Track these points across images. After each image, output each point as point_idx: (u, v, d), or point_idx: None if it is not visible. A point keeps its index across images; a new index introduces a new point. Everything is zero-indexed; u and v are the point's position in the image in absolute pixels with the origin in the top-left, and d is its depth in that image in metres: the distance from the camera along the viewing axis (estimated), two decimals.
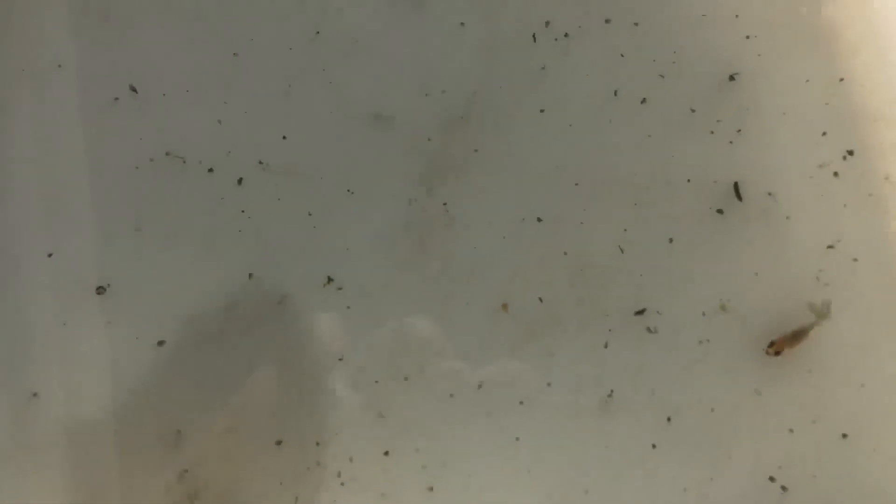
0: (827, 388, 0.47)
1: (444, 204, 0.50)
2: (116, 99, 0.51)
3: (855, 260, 0.50)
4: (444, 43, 0.51)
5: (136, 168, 0.50)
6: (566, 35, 0.52)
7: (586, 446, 0.48)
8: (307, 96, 0.51)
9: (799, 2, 0.52)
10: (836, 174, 0.50)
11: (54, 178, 0.50)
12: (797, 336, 0.46)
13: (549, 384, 0.48)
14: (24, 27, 0.51)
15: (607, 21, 0.52)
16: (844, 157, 0.51)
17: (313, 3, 0.52)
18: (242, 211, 0.50)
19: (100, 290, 0.50)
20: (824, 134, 0.51)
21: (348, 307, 0.49)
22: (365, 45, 0.51)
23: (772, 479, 0.47)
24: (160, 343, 0.48)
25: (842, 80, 0.51)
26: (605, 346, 0.49)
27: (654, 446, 0.48)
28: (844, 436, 0.47)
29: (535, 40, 0.52)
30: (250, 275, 0.50)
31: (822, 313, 0.47)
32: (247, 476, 0.48)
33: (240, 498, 0.47)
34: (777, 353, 0.47)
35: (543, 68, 0.51)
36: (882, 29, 0.51)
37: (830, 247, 0.49)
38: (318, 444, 0.48)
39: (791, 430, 0.46)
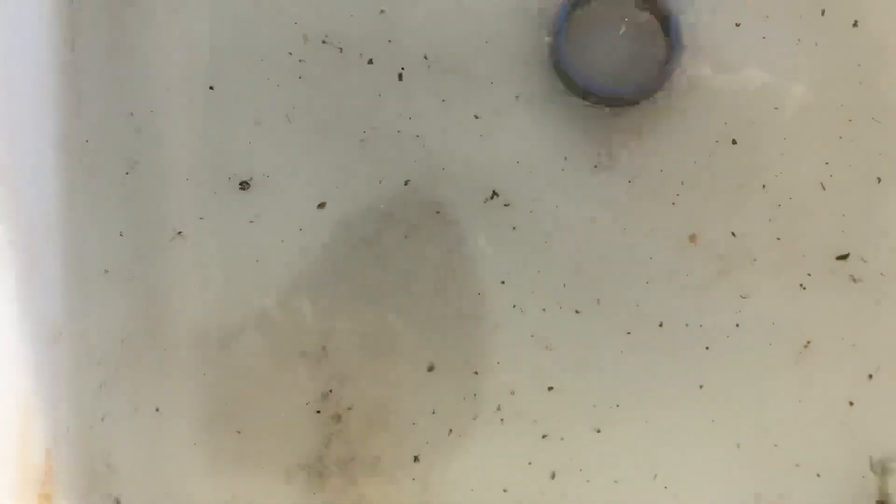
0: None
1: (632, 122, 0.46)
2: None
3: None
4: None
5: (290, 54, 0.47)
6: None
7: (778, 398, 0.44)
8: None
9: None
10: None
11: (201, 60, 0.47)
12: None
13: (738, 326, 0.45)
14: None
15: None
16: None
17: None
18: (402, 110, 0.46)
19: (243, 184, 0.46)
20: None
21: (514, 227, 0.46)
22: None
23: None
24: (305, 247, 0.45)
25: None
26: (804, 289, 0.45)
27: (851, 403, 0.45)
28: None
29: None
30: (407, 181, 0.46)
31: None
32: (396, 400, 0.44)
33: (389, 423, 0.44)
34: None
35: None
36: None
37: None
38: (476, 373, 0.45)
39: None
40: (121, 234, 0.46)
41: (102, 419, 0.45)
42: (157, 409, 0.45)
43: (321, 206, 0.45)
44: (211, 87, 0.46)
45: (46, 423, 0.44)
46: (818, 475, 0.44)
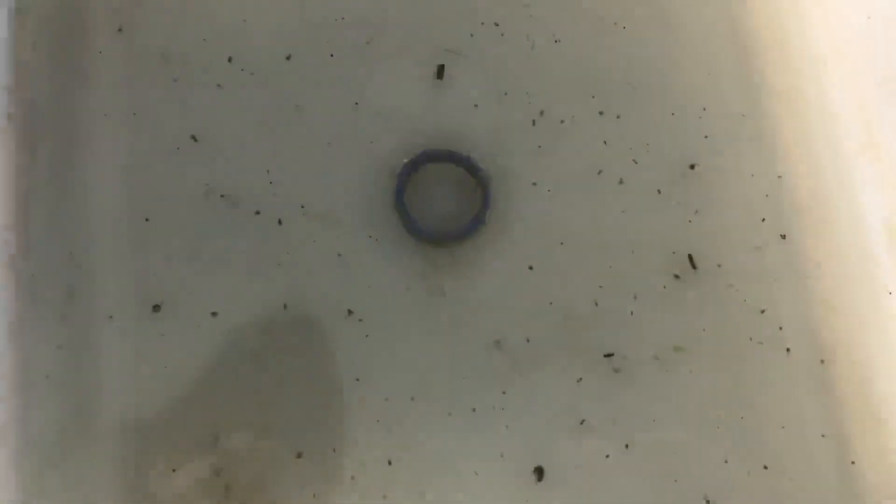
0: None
1: (453, 257, 0.65)
2: (178, 148, 0.66)
3: (780, 328, 0.66)
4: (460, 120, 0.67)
5: (194, 206, 0.65)
6: (561, 122, 0.68)
7: (565, 463, 0.62)
8: (345, 153, 0.66)
9: (745, 110, 0.69)
10: (771, 253, 0.67)
11: (125, 209, 0.64)
12: None
13: (531, 411, 0.63)
14: (108, 75, 0.66)
15: (600, 113, 0.68)
16: (780, 239, 0.68)
17: (355, 82, 0.67)
18: (281, 248, 0.64)
19: (156, 307, 0.63)
20: (763, 220, 0.68)
21: (366, 335, 0.64)
22: (400, 117, 0.67)
23: None
24: (208, 354, 0.62)
25: (780, 176, 0.68)
26: (579, 382, 0.64)
27: (614, 460, 0.63)
28: None
29: (534, 124, 0.68)
30: (285, 305, 0.64)
31: None
32: (273, 476, 0.61)
33: (267, 492, 0.61)
34: None
35: (539, 147, 0.67)
36: (814, 130, 0.68)
37: (763, 311, 0.66)
38: (334, 450, 0.62)
39: None
40: (59, 347, 0.62)
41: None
42: (86, 483, 0.60)
43: (214, 314, 0.62)
44: (146, 219, 0.63)
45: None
46: None
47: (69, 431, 0.59)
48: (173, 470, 0.59)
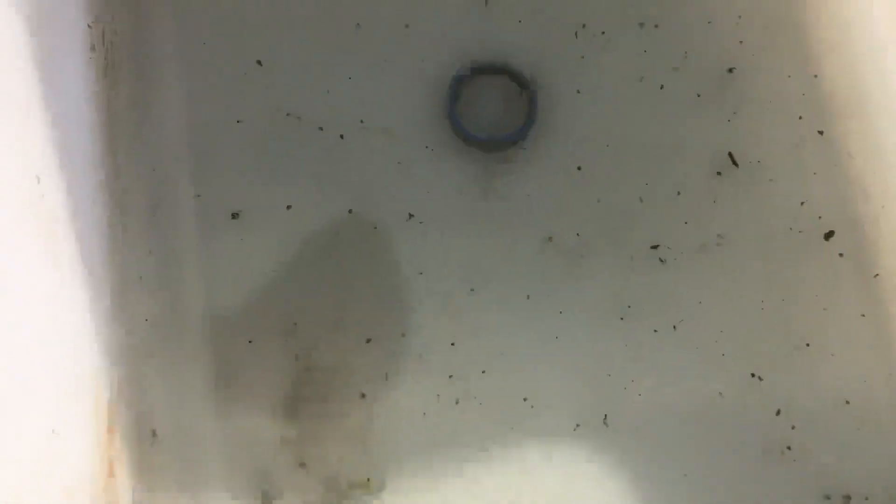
0: None
1: (505, 161, 0.72)
2: (245, 73, 0.73)
3: (819, 217, 0.72)
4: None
5: (263, 124, 0.72)
6: (602, 33, 0.74)
7: (611, 344, 0.69)
8: (399, 71, 0.73)
9: (785, 11, 0.74)
10: (809, 149, 0.73)
11: (200, 129, 0.72)
12: None
13: (582, 298, 0.70)
14: (179, 7, 0.74)
15: (640, 24, 0.74)
16: (817, 135, 0.73)
17: (407, 4, 0.74)
18: (344, 159, 0.72)
19: (234, 215, 0.71)
20: (800, 118, 0.73)
21: (427, 236, 0.71)
22: (449, 35, 0.74)
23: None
24: (283, 255, 0.70)
25: (815, 76, 0.74)
26: (627, 271, 0.70)
27: (662, 348, 0.69)
28: None
29: (576, 37, 0.74)
30: (350, 210, 0.72)
31: None
32: (346, 359, 0.69)
33: (341, 373, 0.68)
34: None
35: (582, 58, 0.74)
36: (853, 33, 0.74)
37: (802, 203, 0.72)
38: (403, 335, 0.69)
39: None
40: (149, 253, 0.71)
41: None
42: (180, 369, 0.69)
43: (287, 220, 0.70)
44: (220, 137, 0.72)
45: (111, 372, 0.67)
46: None
47: (162, 327, 0.68)
48: (257, 357, 0.67)
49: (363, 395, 0.65)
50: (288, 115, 0.70)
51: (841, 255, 0.69)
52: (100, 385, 0.57)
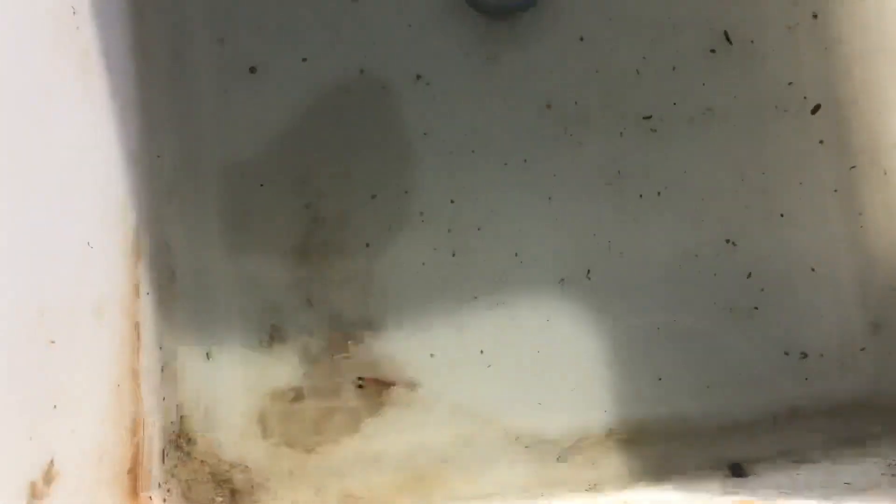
0: None
1: (511, 29, 0.76)
2: None
3: (805, 98, 0.76)
4: None
5: None
6: None
7: (598, 206, 0.75)
8: None
9: None
10: (802, 31, 0.76)
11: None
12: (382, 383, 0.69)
13: (576, 163, 0.75)
14: None
15: None
16: (811, 18, 0.77)
17: None
18: (363, 23, 0.75)
19: (252, 69, 0.75)
20: (795, 3, 0.77)
21: (433, 97, 0.75)
22: None
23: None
24: (297, 109, 0.74)
25: None
26: (619, 138, 0.75)
27: (645, 212, 0.75)
28: None
29: None
30: (361, 70, 0.76)
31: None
32: (352, 212, 0.74)
33: (348, 223, 0.74)
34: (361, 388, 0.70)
35: None
36: None
37: (790, 83, 0.76)
38: (406, 192, 0.75)
39: None
40: (173, 100, 0.75)
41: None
42: (197, 211, 0.74)
43: (301, 76, 0.74)
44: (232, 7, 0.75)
45: None
46: None
47: (180, 170, 0.73)
48: (269, 202, 0.72)
49: (367, 245, 0.71)
50: None
51: (821, 133, 0.73)
52: (127, 216, 0.63)
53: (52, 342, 0.48)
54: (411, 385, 0.68)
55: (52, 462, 0.46)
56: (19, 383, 0.43)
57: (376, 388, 0.69)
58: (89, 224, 0.55)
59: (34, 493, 0.44)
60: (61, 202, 0.52)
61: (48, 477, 0.45)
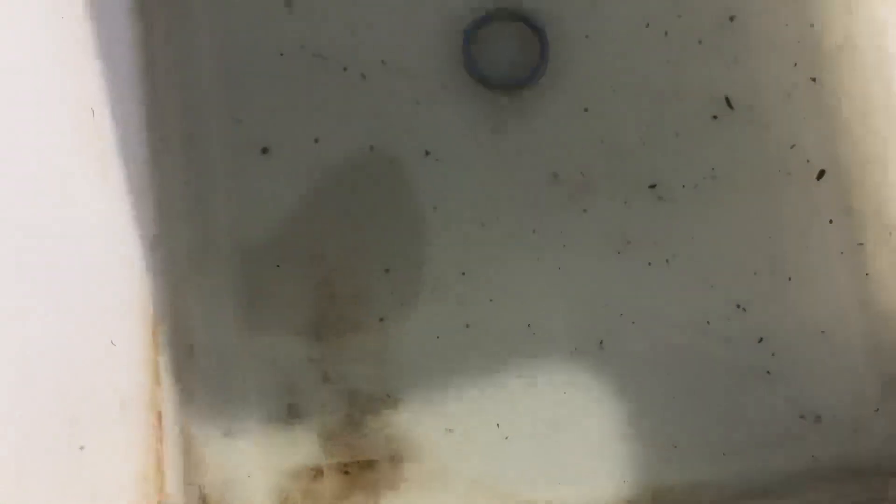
0: None
1: (517, 102, 0.77)
2: (271, 13, 0.78)
3: (808, 161, 0.77)
4: None
5: (291, 63, 0.77)
6: None
7: (608, 276, 0.76)
8: (419, 13, 0.77)
9: None
10: (801, 95, 0.78)
11: (231, 66, 0.77)
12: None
13: (584, 233, 0.76)
14: None
15: None
16: (810, 81, 0.78)
17: None
18: (366, 100, 0.77)
19: (264, 150, 0.77)
20: (795, 64, 0.78)
21: (442, 172, 0.77)
22: None
23: None
24: (309, 187, 0.76)
25: (812, 24, 0.78)
26: (626, 209, 0.76)
27: (655, 280, 0.76)
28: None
29: None
30: (371, 147, 0.77)
31: None
32: (367, 286, 0.76)
33: (362, 299, 0.75)
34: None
35: (592, 3, 0.78)
36: None
37: (792, 146, 0.77)
38: (418, 266, 0.76)
39: None
40: (185, 183, 0.77)
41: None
42: (214, 291, 0.76)
43: (312, 155, 0.76)
44: (250, 74, 0.77)
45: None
46: None
47: (196, 252, 0.74)
48: (284, 282, 0.73)
49: (382, 319, 0.72)
50: (314, 55, 0.75)
51: (826, 196, 0.74)
52: (146, 305, 0.64)
53: (82, 448, 0.49)
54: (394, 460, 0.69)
55: None
56: (54, 494, 0.44)
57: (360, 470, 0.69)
58: (112, 321, 0.57)
59: None
60: (85, 303, 0.53)
61: None
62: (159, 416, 0.62)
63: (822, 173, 0.74)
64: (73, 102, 0.54)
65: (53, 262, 0.48)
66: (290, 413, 0.71)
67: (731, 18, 0.76)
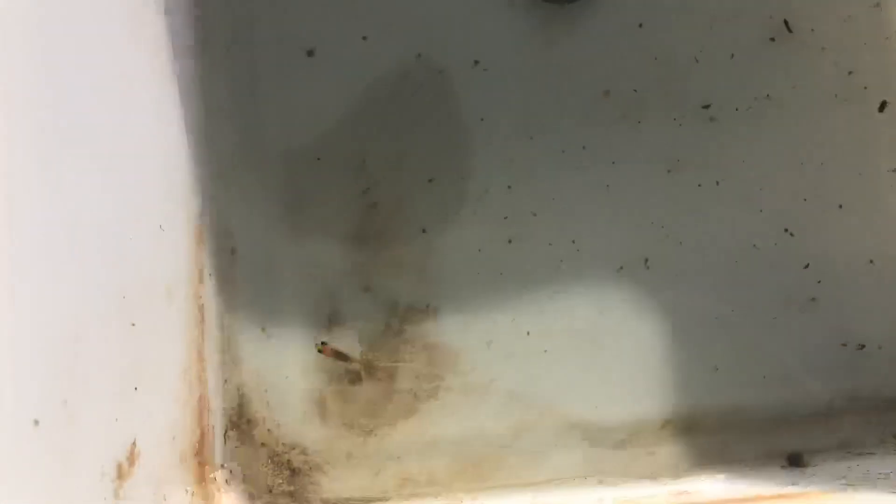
0: None
1: (571, 15, 0.75)
2: None
3: (865, 88, 0.75)
4: None
5: None
6: None
7: (657, 195, 0.74)
8: None
9: None
10: (862, 21, 0.75)
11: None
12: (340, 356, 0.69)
13: (634, 151, 0.74)
14: None
15: None
16: (873, 7, 0.76)
17: None
18: (416, 4, 0.75)
19: (309, 53, 0.75)
20: None
21: (491, 83, 0.75)
22: None
23: None
24: (354, 94, 0.74)
25: None
26: (678, 128, 0.75)
27: (704, 201, 0.74)
28: None
29: None
30: (419, 55, 0.75)
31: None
32: (409, 196, 0.74)
33: (405, 209, 0.74)
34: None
35: None
36: None
37: (850, 73, 0.75)
38: (462, 177, 0.74)
39: None
40: (232, 80, 0.75)
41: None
42: (257, 195, 0.74)
43: (359, 60, 0.74)
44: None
45: None
46: None
47: (240, 155, 0.73)
48: (326, 187, 0.72)
49: (424, 230, 0.71)
50: None
51: (881, 124, 0.72)
52: (191, 200, 0.63)
53: (133, 325, 0.48)
54: (368, 364, 0.68)
55: (134, 443, 0.46)
56: (109, 366, 0.44)
57: (333, 357, 0.68)
58: (160, 208, 0.56)
59: (120, 473, 0.44)
60: (137, 188, 0.52)
61: (132, 457, 0.46)
62: (202, 309, 0.61)
63: (883, 105, 0.72)
64: None
65: (109, 138, 0.47)
66: (330, 319, 0.70)
67: None
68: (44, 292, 0.38)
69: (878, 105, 0.73)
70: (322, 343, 0.69)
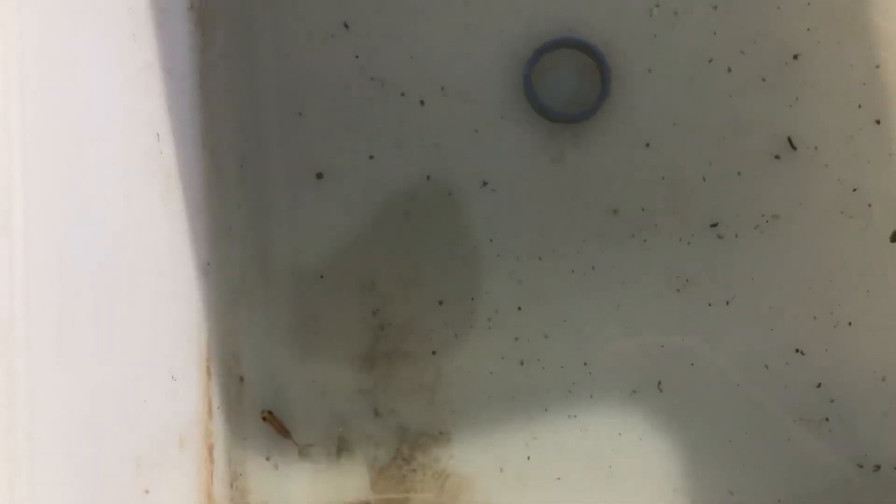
0: None
1: (577, 135, 0.75)
2: (332, 35, 0.76)
3: (869, 205, 0.75)
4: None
5: (348, 86, 0.75)
6: (675, 13, 0.76)
7: (667, 315, 0.73)
8: (479, 41, 0.75)
9: (853, 1, 0.76)
10: (865, 137, 0.76)
11: (288, 88, 0.75)
12: (282, 430, 0.69)
13: (644, 270, 0.74)
14: None
15: (714, 7, 0.76)
16: (874, 124, 0.76)
17: None
18: (424, 125, 0.75)
19: (319, 175, 0.75)
20: (859, 106, 0.76)
21: (499, 203, 0.75)
22: (527, 8, 0.76)
23: None
24: (364, 215, 0.73)
25: (877, 66, 0.76)
26: (687, 246, 0.74)
27: (715, 321, 0.74)
28: None
29: (650, 15, 0.76)
30: (428, 176, 0.75)
31: None
32: (419, 318, 0.73)
33: (414, 330, 0.73)
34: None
35: (655, 36, 0.76)
36: None
37: (855, 189, 0.75)
38: (472, 299, 0.74)
39: None
40: (238, 206, 0.74)
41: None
42: (265, 319, 0.73)
43: (368, 182, 0.74)
44: (307, 97, 0.74)
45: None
46: None
47: (248, 279, 0.72)
48: (337, 311, 0.71)
49: (434, 353, 0.70)
50: (372, 78, 0.73)
51: (887, 240, 0.72)
52: (201, 333, 0.62)
53: (147, 492, 0.46)
54: (305, 447, 0.67)
55: None
56: None
57: (275, 429, 0.66)
58: (172, 355, 0.54)
59: None
60: (151, 342, 0.51)
61: None
62: (211, 449, 0.59)
63: (895, 235, 0.72)
64: (144, 127, 0.52)
65: (124, 298, 0.46)
66: (339, 446, 0.69)
67: (796, 57, 0.74)
68: (59, 477, 0.36)
69: (883, 223, 0.73)
70: (268, 412, 0.66)
